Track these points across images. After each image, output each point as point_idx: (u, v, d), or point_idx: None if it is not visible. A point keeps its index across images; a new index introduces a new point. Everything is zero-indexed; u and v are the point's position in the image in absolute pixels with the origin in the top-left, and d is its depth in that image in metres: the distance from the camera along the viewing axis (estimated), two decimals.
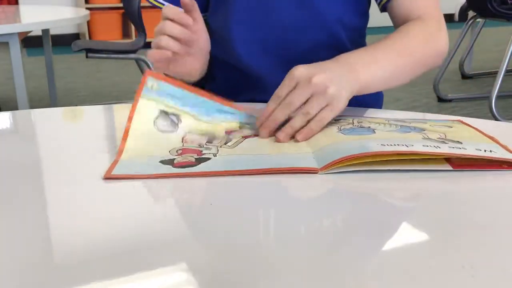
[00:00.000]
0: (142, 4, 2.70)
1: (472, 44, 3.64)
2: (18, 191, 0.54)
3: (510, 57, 2.86)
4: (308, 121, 0.66)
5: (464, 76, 3.82)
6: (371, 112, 0.80)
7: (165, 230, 0.46)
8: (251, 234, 0.45)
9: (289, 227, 0.46)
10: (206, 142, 0.66)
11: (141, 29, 2.81)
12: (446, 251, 0.42)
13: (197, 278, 0.39)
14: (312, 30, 0.89)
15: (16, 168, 0.60)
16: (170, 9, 0.77)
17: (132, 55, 2.87)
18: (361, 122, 0.70)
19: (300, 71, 0.68)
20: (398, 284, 0.37)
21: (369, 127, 0.67)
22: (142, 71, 3.18)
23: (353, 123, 0.70)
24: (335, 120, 0.71)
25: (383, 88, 0.81)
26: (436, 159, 0.58)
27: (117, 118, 0.83)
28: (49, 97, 3.16)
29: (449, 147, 0.59)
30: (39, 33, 3.03)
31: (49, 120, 0.83)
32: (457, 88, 3.60)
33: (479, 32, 3.56)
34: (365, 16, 0.95)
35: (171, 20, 0.76)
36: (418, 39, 0.84)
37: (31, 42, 5.00)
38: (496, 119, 2.74)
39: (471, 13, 3.39)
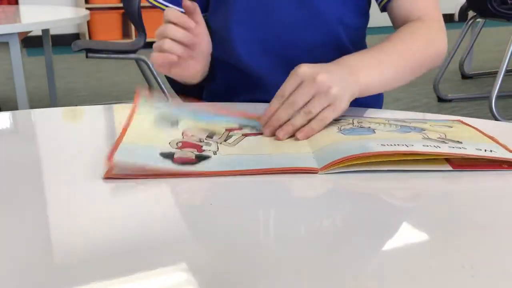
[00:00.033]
0: (142, 4, 2.70)
1: (472, 44, 3.63)
2: (18, 191, 0.54)
3: (510, 57, 2.86)
4: (309, 120, 0.67)
5: (464, 76, 3.82)
6: (371, 112, 0.80)
7: (165, 230, 0.46)
8: (251, 234, 0.45)
9: (289, 227, 0.46)
10: (206, 136, 0.65)
11: (141, 29, 2.81)
12: (446, 251, 0.42)
13: (197, 278, 0.39)
14: (312, 29, 0.89)
15: (16, 168, 0.60)
16: (172, 12, 0.76)
17: (132, 55, 2.87)
18: (361, 122, 0.70)
19: (304, 70, 0.68)
20: (398, 284, 0.37)
21: (369, 127, 0.67)
22: (142, 71, 3.18)
23: (353, 123, 0.70)
24: (335, 120, 0.71)
25: (384, 90, 0.81)
26: (436, 159, 0.58)
27: (117, 118, 0.83)
28: (49, 97, 3.16)
29: (449, 147, 0.59)
30: (39, 33, 3.03)
31: (49, 120, 0.83)
32: (457, 88, 3.60)
33: (479, 32, 3.56)
34: (366, 15, 0.95)
35: (174, 23, 0.76)
36: (419, 41, 0.84)
37: (31, 42, 5.00)
38: (496, 119, 2.74)
39: (471, 13, 3.39)
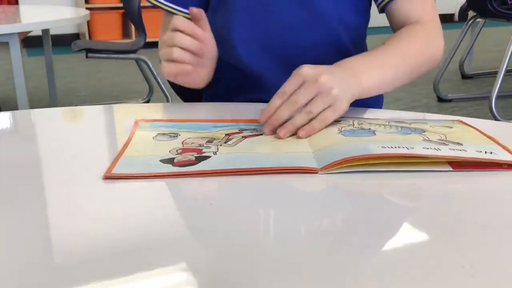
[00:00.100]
0: (142, 4, 2.70)
1: (472, 44, 3.64)
2: (18, 191, 0.54)
3: (510, 57, 2.86)
4: (310, 120, 0.67)
5: (464, 76, 3.82)
6: (371, 112, 0.80)
7: (165, 230, 0.46)
8: (251, 234, 0.45)
9: (289, 227, 0.46)
10: (206, 142, 0.66)
11: (141, 29, 2.81)
12: (446, 251, 0.42)
13: (197, 278, 0.39)
14: (312, 29, 0.89)
15: (16, 168, 0.60)
16: (180, 21, 0.76)
17: (132, 55, 2.87)
18: (362, 123, 0.70)
19: (306, 70, 0.69)
20: (398, 284, 0.37)
21: (369, 128, 0.68)
22: (142, 71, 3.18)
23: (353, 124, 0.70)
24: (336, 121, 0.71)
25: (384, 92, 0.82)
26: (437, 161, 0.58)
27: (117, 118, 0.83)
28: (49, 97, 3.16)
29: (450, 149, 0.59)
30: (39, 33, 3.04)
31: (49, 120, 0.83)
32: (457, 88, 3.60)
33: (479, 32, 3.56)
34: (366, 15, 0.95)
35: (181, 31, 0.76)
36: (418, 43, 0.85)
37: (31, 42, 5.00)
38: (496, 119, 2.74)
39: (471, 13, 3.39)
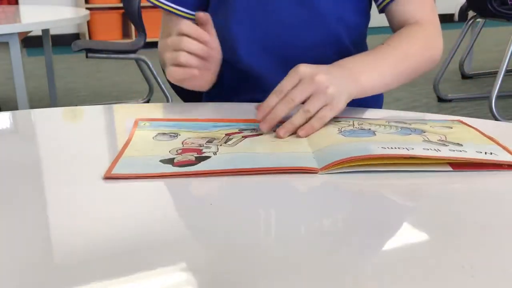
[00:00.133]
0: (142, 4, 2.70)
1: (472, 44, 3.64)
2: (18, 191, 0.54)
3: (510, 57, 2.86)
4: (309, 119, 0.67)
5: (464, 76, 3.82)
6: (371, 112, 0.80)
7: (165, 230, 0.46)
8: (251, 234, 0.45)
9: (289, 227, 0.46)
10: (206, 142, 0.66)
11: (141, 29, 2.81)
12: (446, 251, 0.42)
13: (197, 278, 0.39)
14: (312, 29, 0.89)
15: (16, 168, 0.60)
16: (187, 26, 0.76)
17: (132, 55, 2.87)
18: (362, 124, 0.70)
19: (303, 69, 0.69)
20: (398, 284, 0.37)
21: (369, 129, 0.68)
22: (142, 71, 3.18)
23: (353, 125, 0.70)
24: (336, 122, 0.71)
25: (382, 91, 0.83)
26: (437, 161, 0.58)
27: (117, 118, 0.83)
28: (49, 97, 3.16)
29: (450, 149, 0.59)
30: (39, 33, 3.04)
31: (49, 120, 0.83)
32: (457, 88, 3.60)
33: (479, 32, 3.56)
34: (366, 15, 0.96)
35: (188, 36, 0.76)
36: (417, 44, 0.85)
37: (31, 42, 5.00)
38: (496, 119, 2.74)
39: (471, 13, 3.39)
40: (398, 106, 3.19)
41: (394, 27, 0.91)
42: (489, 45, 4.86)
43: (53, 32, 3.61)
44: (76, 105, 1.25)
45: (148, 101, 3.27)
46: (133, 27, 5.14)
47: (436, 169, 0.57)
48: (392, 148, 0.59)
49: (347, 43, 0.92)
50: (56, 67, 3.56)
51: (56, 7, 3.46)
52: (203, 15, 0.77)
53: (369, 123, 0.70)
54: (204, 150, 0.62)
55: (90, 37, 5.51)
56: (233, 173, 0.56)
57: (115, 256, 0.41)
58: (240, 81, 0.93)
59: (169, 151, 0.62)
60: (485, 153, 0.59)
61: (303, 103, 0.68)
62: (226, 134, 0.68)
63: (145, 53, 2.94)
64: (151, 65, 2.94)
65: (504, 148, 0.61)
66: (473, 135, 0.66)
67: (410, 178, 0.56)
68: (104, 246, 0.43)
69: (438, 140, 0.63)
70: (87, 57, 2.72)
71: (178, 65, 0.76)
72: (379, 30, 2.21)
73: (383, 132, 0.66)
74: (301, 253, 0.41)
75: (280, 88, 0.69)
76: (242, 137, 0.67)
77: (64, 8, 3.25)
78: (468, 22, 3.36)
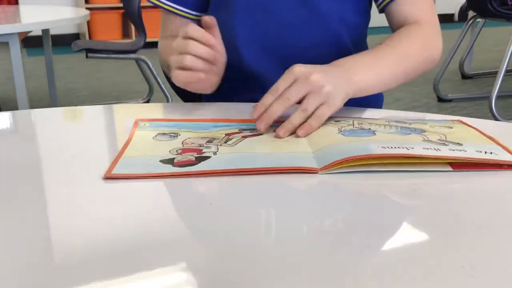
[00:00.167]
0: (142, 4, 2.70)
1: (472, 44, 3.63)
2: (18, 191, 0.54)
3: (510, 57, 2.86)
4: (307, 118, 0.68)
5: (464, 76, 3.82)
6: (371, 112, 0.80)
7: (165, 230, 0.46)
8: (251, 234, 0.45)
9: (289, 227, 0.46)
10: (206, 142, 0.66)
11: (141, 29, 2.81)
12: (446, 251, 0.42)
13: (197, 278, 0.39)
14: (313, 29, 0.89)
15: (16, 168, 0.60)
16: (193, 29, 0.75)
17: (132, 55, 2.87)
18: (362, 123, 0.70)
19: (299, 69, 0.69)
20: (398, 284, 0.37)
21: (369, 128, 0.68)
22: (142, 71, 3.18)
23: (353, 124, 0.70)
24: (335, 121, 0.71)
25: (379, 91, 0.83)
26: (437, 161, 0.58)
27: (117, 118, 0.83)
28: (49, 97, 3.16)
29: (450, 149, 0.59)
30: (39, 33, 3.04)
31: (49, 120, 0.83)
32: (457, 88, 3.60)
33: (479, 32, 3.56)
34: (366, 14, 0.96)
35: (194, 39, 0.75)
36: (416, 44, 0.85)
37: (31, 42, 5.00)
38: (496, 119, 2.74)
39: (471, 13, 3.39)
40: (398, 106, 3.19)
41: (394, 27, 0.91)
42: (489, 45, 4.86)
43: (53, 32, 3.61)
44: (76, 105, 1.25)
45: (148, 101, 3.27)
46: (133, 27, 5.14)
47: (436, 169, 0.57)
48: (392, 147, 0.59)
49: (348, 43, 0.92)
50: (56, 67, 3.56)
51: (56, 7, 3.46)
52: (209, 19, 0.77)
53: (369, 123, 0.71)
54: (204, 150, 0.62)
55: (90, 37, 5.51)
56: (233, 173, 0.56)
57: (115, 256, 0.41)
58: (240, 81, 0.93)
59: (169, 151, 0.62)
60: (485, 152, 0.59)
61: (299, 103, 0.68)
62: (226, 134, 0.68)
63: (145, 53, 2.94)
64: (151, 65, 2.94)
65: (504, 148, 0.61)
66: (473, 135, 0.66)
67: (410, 178, 0.56)
68: (104, 246, 0.43)
69: (438, 139, 0.63)
70: (87, 57, 2.72)
71: (184, 68, 0.76)
72: (379, 30, 2.21)
73: (383, 132, 0.66)
74: (301, 253, 0.42)
75: (275, 88, 0.69)
76: (242, 137, 0.67)
77: (64, 8, 3.25)
78: (468, 22, 3.36)
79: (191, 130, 0.70)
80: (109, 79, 4.02)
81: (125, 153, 0.62)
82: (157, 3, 0.94)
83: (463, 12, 3.54)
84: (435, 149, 0.59)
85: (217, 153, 0.62)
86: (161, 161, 0.59)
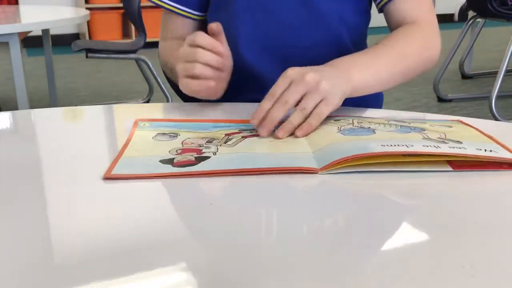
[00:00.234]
0: (142, 4, 2.70)
1: (472, 44, 3.63)
2: (18, 191, 0.54)
3: (510, 57, 2.86)
4: (306, 118, 0.67)
5: (464, 76, 3.82)
6: (371, 112, 0.80)
7: (165, 230, 0.46)
8: (251, 234, 0.45)
9: (289, 227, 0.46)
10: (206, 142, 0.66)
11: (141, 29, 2.81)
12: (446, 251, 0.42)
13: (197, 278, 0.39)
14: (313, 29, 0.89)
15: (16, 168, 0.60)
16: (201, 37, 0.75)
17: (132, 55, 2.87)
18: (361, 122, 0.70)
19: (293, 71, 0.69)
20: (398, 284, 0.37)
21: (369, 127, 0.68)
22: (142, 71, 3.18)
23: (353, 123, 0.70)
24: (335, 120, 0.71)
25: (377, 90, 0.83)
26: (437, 160, 0.58)
27: (117, 118, 0.83)
28: (49, 97, 3.16)
29: (449, 147, 0.59)
30: (39, 33, 3.04)
31: (49, 120, 0.83)
32: (457, 88, 3.60)
33: (479, 32, 3.56)
34: (366, 14, 0.96)
35: (202, 47, 0.75)
36: (414, 44, 0.85)
37: (31, 42, 5.00)
38: (496, 119, 2.74)
39: (471, 13, 3.39)
40: (398, 106, 3.19)
41: (392, 26, 0.91)
42: (489, 45, 4.86)
43: (53, 32, 3.61)
44: (76, 105, 1.25)
45: (148, 101, 3.27)
46: (133, 27, 5.14)
47: (436, 169, 0.57)
48: (391, 145, 0.58)
49: (348, 43, 0.92)
50: (56, 67, 3.56)
51: (56, 7, 3.46)
52: (216, 26, 0.77)
53: (369, 122, 0.70)
54: (203, 150, 0.62)
55: (90, 37, 5.51)
56: (233, 173, 0.56)
57: (115, 256, 0.41)
58: (241, 81, 0.93)
59: (169, 151, 0.62)
60: (485, 150, 0.59)
61: (297, 104, 0.68)
62: (226, 134, 0.68)
63: (145, 53, 2.94)
64: (151, 65, 2.93)
65: (504, 147, 0.61)
66: (473, 134, 0.66)
67: (410, 178, 0.56)
68: (104, 246, 0.43)
69: (437, 138, 0.63)
70: (87, 57, 2.72)
71: (193, 76, 0.76)
72: (379, 30, 2.21)
73: (383, 130, 0.66)
74: (301, 253, 0.42)
75: (272, 92, 0.69)
76: (242, 137, 0.67)
77: (64, 8, 3.25)
78: (468, 22, 3.36)
79: (191, 130, 0.70)
80: (109, 79, 4.01)
81: (125, 153, 0.62)
82: (159, 2, 0.94)
83: (463, 12, 3.54)
84: (435, 146, 0.59)
85: (216, 153, 0.62)
86: (160, 161, 0.59)
